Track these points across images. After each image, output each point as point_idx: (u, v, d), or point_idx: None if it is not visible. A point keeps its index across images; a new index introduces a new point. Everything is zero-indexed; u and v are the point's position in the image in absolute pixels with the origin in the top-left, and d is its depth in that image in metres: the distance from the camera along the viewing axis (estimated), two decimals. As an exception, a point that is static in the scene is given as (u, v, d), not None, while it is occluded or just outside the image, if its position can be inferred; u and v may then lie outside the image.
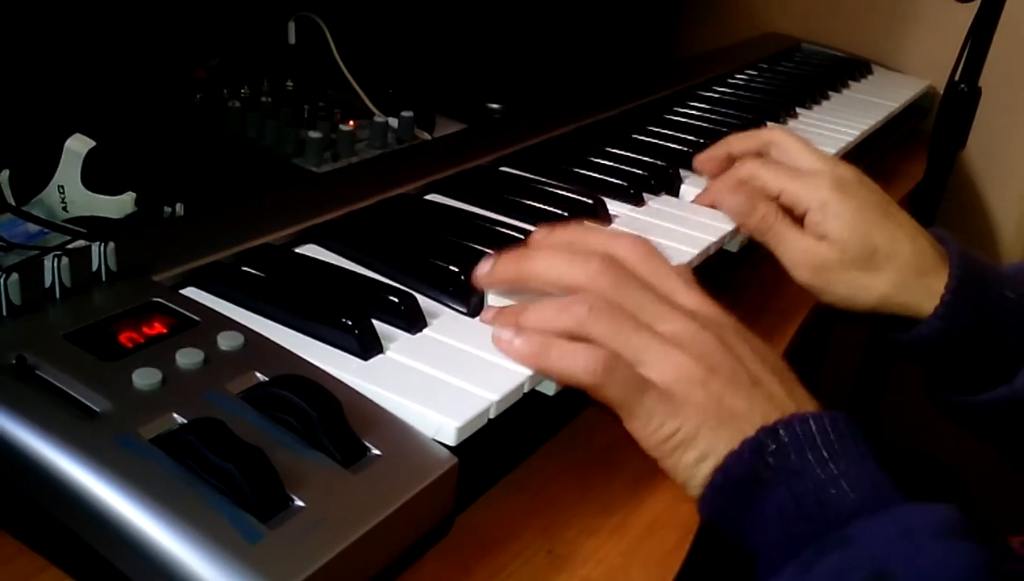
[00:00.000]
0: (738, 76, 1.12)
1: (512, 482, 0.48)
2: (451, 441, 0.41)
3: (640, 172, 0.73)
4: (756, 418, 0.45)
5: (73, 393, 0.38)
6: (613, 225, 0.65)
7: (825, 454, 0.43)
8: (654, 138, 0.84)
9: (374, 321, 0.46)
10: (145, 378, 0.38)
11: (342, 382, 0.42)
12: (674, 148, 0.81)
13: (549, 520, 0.46)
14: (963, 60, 1.03)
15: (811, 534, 0.42)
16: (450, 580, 0.42)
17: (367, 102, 0.83)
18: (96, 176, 0.63)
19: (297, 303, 0.47)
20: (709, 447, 0.45)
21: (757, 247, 0.70)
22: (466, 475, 0.40)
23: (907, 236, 0.63)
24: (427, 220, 0.62)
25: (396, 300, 0.48)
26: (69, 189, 0.63)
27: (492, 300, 0.51)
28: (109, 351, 0.40)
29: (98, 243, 0.45)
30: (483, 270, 0.51)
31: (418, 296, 0.49)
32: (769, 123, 0.92)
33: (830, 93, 1.11)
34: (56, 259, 0.44)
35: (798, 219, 0.65)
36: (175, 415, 0.37)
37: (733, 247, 0.68)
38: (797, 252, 0.64)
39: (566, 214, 0.63)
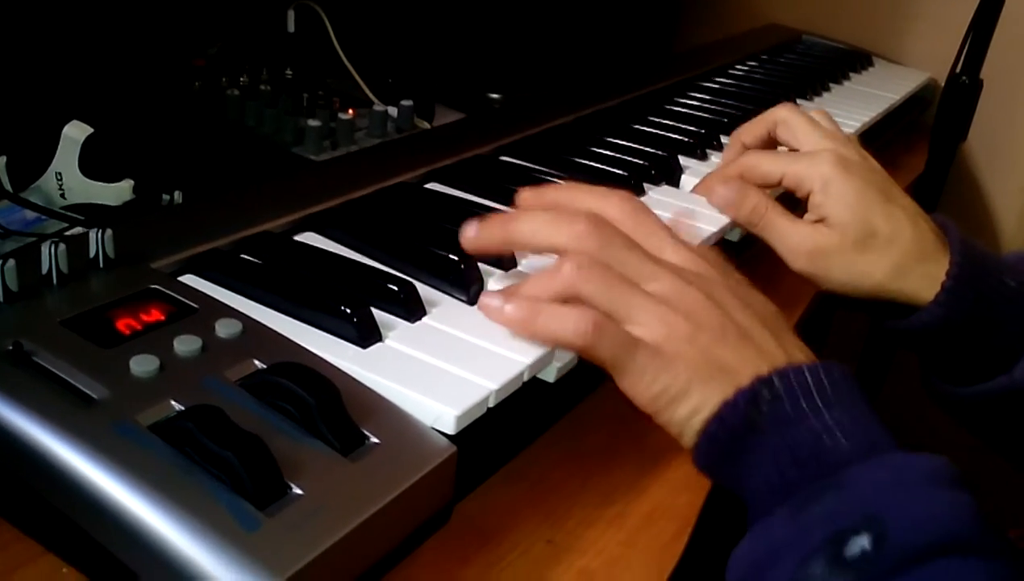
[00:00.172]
0: (739, 67, 1.12)
1: (511, 471, 0.48)
2: (450, 430, 0.40)
3: (641, 162, 0.72)
4: (746, 369, 0.45)
5: (70, 380, 0.37)
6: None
7: (819, 403, 0.44)
8: (655, 128, 0.84)
9: (373, 309, 0.46)
10: (143, 365, 0.38)
11: (341, 370, 0.41)
12: (675, 138, 0.81)
13: (548, 510, 0.46)
14: (964, 52, 1.03)
15: (804, 480, 0.42)
16: (449, 569, 0.41)
17: (366, 91, 0.83)
18: (94, 163, 0.63)
19: (296, 291, 0.47)
20: (701, 400, 0.45)
21: (756, 240, 0.69)
22: (465, 464, 0.40)
23: (909, 219, 0.63)
24: (426, 208, 0.62)
25: (395, 288, 0.48)
26: (67, 176, 0.63)
27: (493, 286, 0.51)
28: (106, 338, 0.40)
29: (96, 230, 0.45)
30: (469, 233, 0.51)
31: (417, 284, 0.49)
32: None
33: (831, 85, 1.10)
34: (53, 246, 0.43)
35: (802, 200, 0.65)
36: (173, 402, 0.37)
37: (734, 237, 0.67)
38: (793, 240, 0.63)
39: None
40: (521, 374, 0.44)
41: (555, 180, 0.67)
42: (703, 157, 0.79)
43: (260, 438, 0.35)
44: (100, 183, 0.63)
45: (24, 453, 0.35)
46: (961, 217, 0.65)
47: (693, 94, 0.97)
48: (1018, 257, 0.65)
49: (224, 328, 0.42)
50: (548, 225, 0.49)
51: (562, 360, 0.47)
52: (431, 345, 0.45)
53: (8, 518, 0.38)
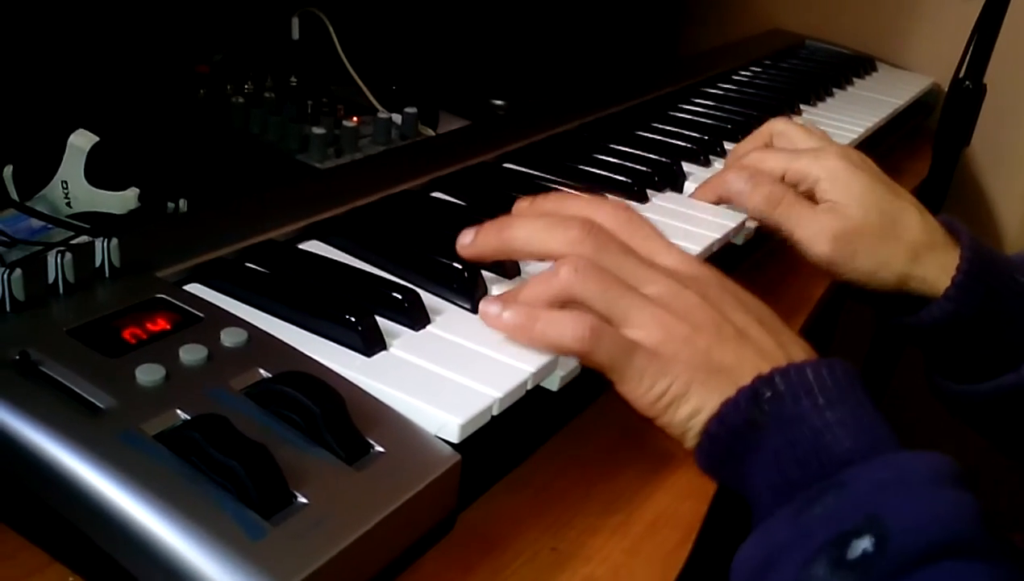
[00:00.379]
0: (742, 73, 1.12)
1: (515, 479, 0.48)
2: (454, 438, 0.41)
3: (644, 168, 0.72)
4: (745, 369, 0.45)
5: (77, 389, 0.37)
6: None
7: (821, 401, 0.44)
8: (658, 135, 0.84)
9: (377, 318, 0.46)
10: (149, 374, 0.38)
11: (345, 379, 0.42)
12: (678, 144, 0.81)
13: (552, 518, 0.46)
14: (968, 57, 1.03)
15: (806, 479, 0.42)
16: (452, 578, 0.41)
17: (371, 98, 0.83)
18: (100, 171, 0.63)
19: (300, 299, 0.47)
20: (701, 401, 0.45)
21: (761, 243, 0.69)
22: (469, 472, 0.40)
23: (916, 211, 0.63)
24: (430, 216, 0.62)
25: (399, 297, 0.48)
26: (73, 184, 0.63)
27: (496, 293, 0.51)
28: (113, 347, 0.40)
29: (101, 239, 0.45)
30: (465, 240, 0.51)
31: (421, 292, 0.49)
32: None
33: (834, 90, 1.10)
34: (60, 255, 0.43)
35: (806, 195, 0.65)
36: (179, 411, 0.37)
37: (739, 240, 0.67)
38: (816, 224, 0.62)
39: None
40: (525, 382, 0.45)
41: (559, 187, 0.67)
42: (707, 163, 0.79)
43: (265, 447, 0.35)
44: (106, 192, 0.63)
45: (31, 462, 0.35)
46: (965, 222, 0.65)
47: (696, 100, 0.97)
48: None
49: (229, 337, 0.42)
50: (543, 231, 0.49)
51: (565, 368, 0.47)
52: (435, 353, 0.45)
53: (15, 527, 0.38)
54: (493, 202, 0.63)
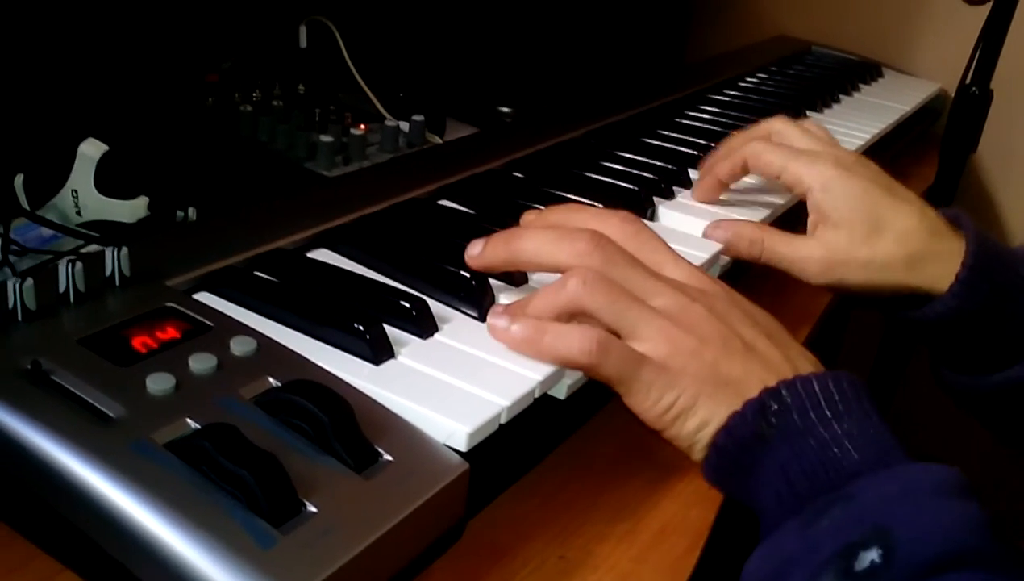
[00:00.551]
0: (749, 79, 1.12)
1: (523, 488, 0.48)
2: (462, 446, 0.41)
3: (651, 176, 0.73)
4: (752, 382, 0.46)
5: (88, 398, 0.38)
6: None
7: (828, 414, 0.44)
8: (665, 142, 0.84)
9: (386, 326, 0.46)
10: (159, 383, 0.39)
11: (354, 387, 0.42)
12: (685, 152, 0.81)
13: (560, 526, 0.46)
14: (974, 63, 1.03)
15: (813, 491, 0.42)
16: (461, 585, 0.42)
17: (378, 106, 0.83)
18: (109, 180, 0.63)
19: (309, 308, 0.47)
20: (709, 414, 0.46)
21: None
22: (477, 481, 0.40)
23: (916, 209, 0.63)
24: (438, 225, 0.62)
25: (407, 305, 0.48)
26: (82, 193, 0.63)
27: (504, 302, 0.51)
28: (123, 356, 0.40)
29: (112, 248, 0.46)
30: (474, 252, 0.51)
31: (429, 301, 0.49)
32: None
33: (841, 96, 1.10)
34: (70, 264, 0.44)
35: (800, 198, 0.65)
36: (189, 420, 0.38)
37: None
38: (800, 255, 0.63)
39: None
40: (532, 391, 0.45)
41: (566, 195, 0.67)
42: (713, 170, 0.79)
43: (275, 456, 0.35)
44: (115, 200, 0.63)
45: (42, 471, 0.36)
46: (972, 227, 0.65)
47: (703, 107, 0.97)
48: None
49: (239, 346, 0.42)
50: (551, 243, 0.49)
51: (572, 377, 0.47)
52: (443, 362, 0.45)
53: (27, 535, 0.39)
54: (501, 210, 0.64)
